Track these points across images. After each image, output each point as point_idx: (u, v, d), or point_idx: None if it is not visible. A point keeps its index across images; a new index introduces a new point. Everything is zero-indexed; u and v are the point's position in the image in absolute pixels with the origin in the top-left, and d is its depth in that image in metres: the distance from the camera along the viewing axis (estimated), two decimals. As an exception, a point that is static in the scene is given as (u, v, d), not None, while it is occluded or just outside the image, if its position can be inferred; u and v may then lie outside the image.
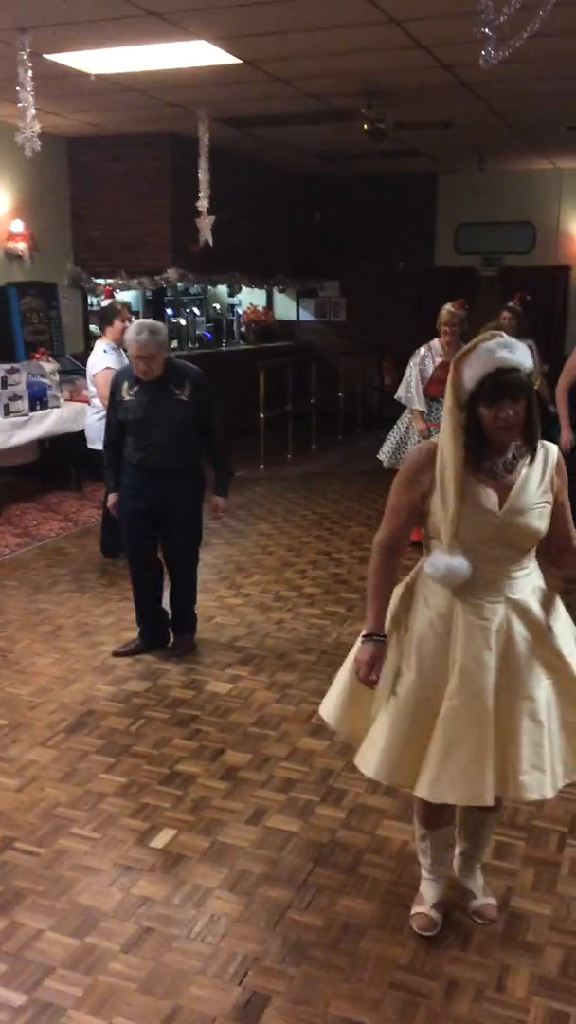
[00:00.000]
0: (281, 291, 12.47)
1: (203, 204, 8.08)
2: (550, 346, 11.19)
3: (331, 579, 6.00)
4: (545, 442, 2.48)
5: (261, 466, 9.42)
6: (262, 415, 9.31)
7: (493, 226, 11.40)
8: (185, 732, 3.94)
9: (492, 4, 2.79)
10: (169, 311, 10.86)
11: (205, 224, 8.17)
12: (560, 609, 2.57)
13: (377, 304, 12.02)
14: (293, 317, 12.87)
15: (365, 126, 7.29)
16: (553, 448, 2.49)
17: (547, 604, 2.53)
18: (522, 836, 3.23)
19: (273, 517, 7.64)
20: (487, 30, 2.86)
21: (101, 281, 9.81)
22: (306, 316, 12.88)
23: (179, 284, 9.68)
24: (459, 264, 11.63)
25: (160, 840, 3.17)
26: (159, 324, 4.46)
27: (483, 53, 3.04)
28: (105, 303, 6.87)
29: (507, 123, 8.21)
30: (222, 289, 11.98)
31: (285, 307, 12.84)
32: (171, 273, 9.26)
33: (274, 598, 5.64)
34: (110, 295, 7.66)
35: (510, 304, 7.09)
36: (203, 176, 8.02)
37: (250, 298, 12.47)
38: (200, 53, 5.98)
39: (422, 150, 9.44)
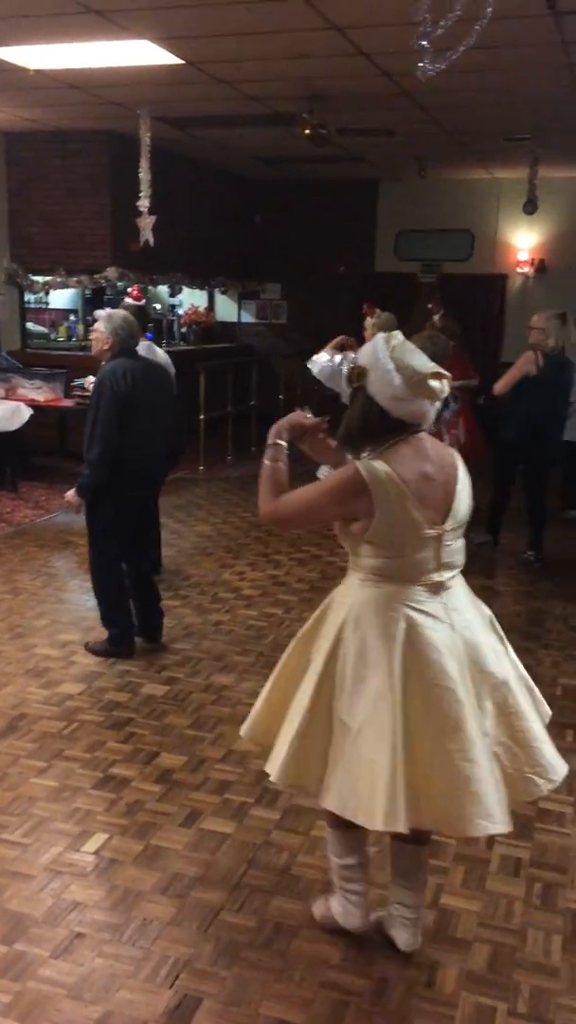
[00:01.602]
0: (223, 292, 12.47)
1: (144, 204, 8.04)
2: (487, 352, 11.43)
3: (269, 581, 6.01)
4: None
5: (201, 467, 9.40)
6: (202, 416, 9.29)
7: (433, 233, 11.56)
8: (120, 735, 3.91)
9: (430, 17, 2.84)
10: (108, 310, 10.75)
11: (146, 224, 8.13)
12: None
13: (318, 307, 12.09)
14: (234, 319, 12.87)
15: (307, 131, 7.33)
16: None
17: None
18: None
19: (212, 519, 7.62)
20: (425, 42, 2.90)
21: (38, 278, 9.68)
22: (248, 318, 12.89)
23: (119, 283, 9.61)
24: (399, 270, 11.77)
25: (92, 844, 3.14)
26: (109, 312, 4.66)
27: (420, 65, 3.09)
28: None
29: (447, 132, 8.34)
30: (163, 289, 11.92)
31: (226, 309, 12.84)
32: (111, 272, 9.19)
33: (212, 600, 5.64)
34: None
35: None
36: (144, 175, 7.98)
37: (191, 299, 12.44)
38: (142, 53, 5.95)
39: (364, 156, 9.53)
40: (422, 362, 2.37)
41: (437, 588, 2.39)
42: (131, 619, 4.78)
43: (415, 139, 8.57)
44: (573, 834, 3.31)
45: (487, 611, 2.61)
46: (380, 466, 2.32)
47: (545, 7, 4.49)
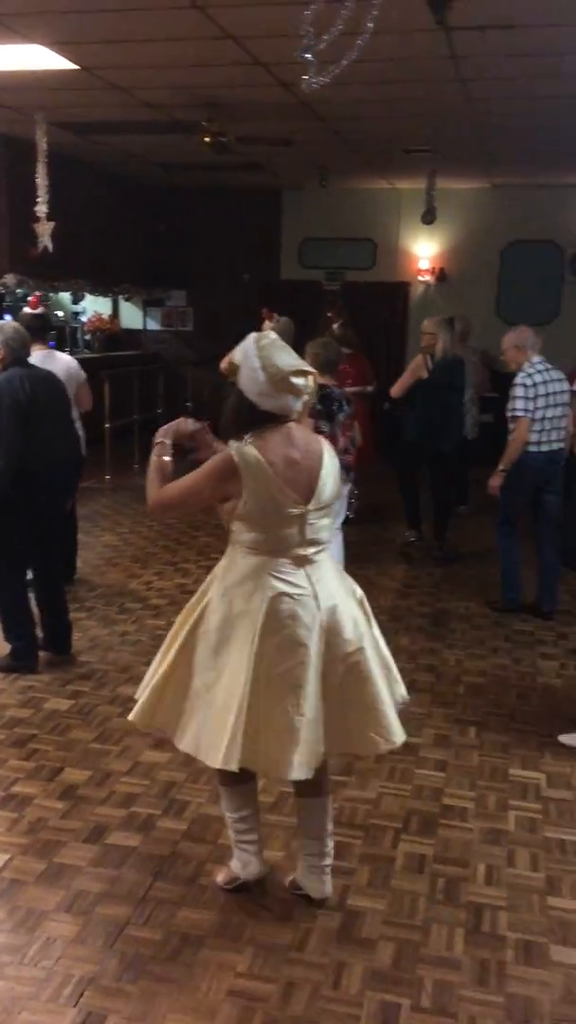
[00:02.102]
0: (127, 299, 12.34)
1: (42, 209, 7.90)
2: (391, 359, 11.63)
3: (177, 590, 5.98)
4: None
5: (107, 476, 9.28)
6: (108, 425, 9.18)
7: (336, 242, 11.71)
8: (22, 752, 3.83)
9: (313, 30, 2.89)
10: (8, 317, 10.53)
11: (44, 229, 7.99)
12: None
13: (224, 315, 12.07)
14: (140, 326, 12.76)
15: (207, 139, 7.33)
16: None
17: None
18: (359, 835, 3.32)
19: (119, 528, 7.54)
20: (309, 55, 2.95)
21: None
22: (153, 325, 12.80)
23: (18, 290, 9.41)
24: (304, 278, 11.87)
25: (-7, 865, 3.07)
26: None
27: (305, 78, 3.14)
28: None
29: (347, 143, 8.46)
30: (65, 296, 11.73)
31: (132, 316, 12.72)
32: (9, 279, 8.99)
33: (119, 610, 5.57)
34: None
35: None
36: (41, 181, 7.84)
37: (95, 306, 12.28)
38: (36, 57, 5.85)
39: (265, 165, 9.59)
40: (287, 361, 2.60)
41: (302, 561, 2.66)
42: (34, 632, 4.68)
43: (315, 149, 8.67)
44: (475, 828, 3.39)
45: (358, 590, 2.88)
46: (250, 451, 2.58)
47: (434, 22, 4.59)
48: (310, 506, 2.63)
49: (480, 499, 6.99)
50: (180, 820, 3.37)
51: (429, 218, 9.66)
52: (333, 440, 5.68)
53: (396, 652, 5.00)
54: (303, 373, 2.61)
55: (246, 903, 2.91)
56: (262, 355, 2.59)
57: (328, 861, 2.92)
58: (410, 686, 4.58)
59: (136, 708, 2.80)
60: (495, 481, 5.53)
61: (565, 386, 5.52)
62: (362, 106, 6.99)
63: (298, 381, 2.59)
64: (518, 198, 10.78)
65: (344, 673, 2.68)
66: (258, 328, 7.19)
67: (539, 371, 5.46)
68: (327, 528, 2.72)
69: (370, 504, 8.59)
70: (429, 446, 6.88)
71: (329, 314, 8.94)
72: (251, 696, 2.55)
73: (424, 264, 11.44)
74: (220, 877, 3.00)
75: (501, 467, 5.50)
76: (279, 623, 2.59)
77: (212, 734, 2.61)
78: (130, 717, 2.84)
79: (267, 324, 6.98)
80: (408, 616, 5.70)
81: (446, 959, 2.71)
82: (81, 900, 2.90)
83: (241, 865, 2.94)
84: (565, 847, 3.27)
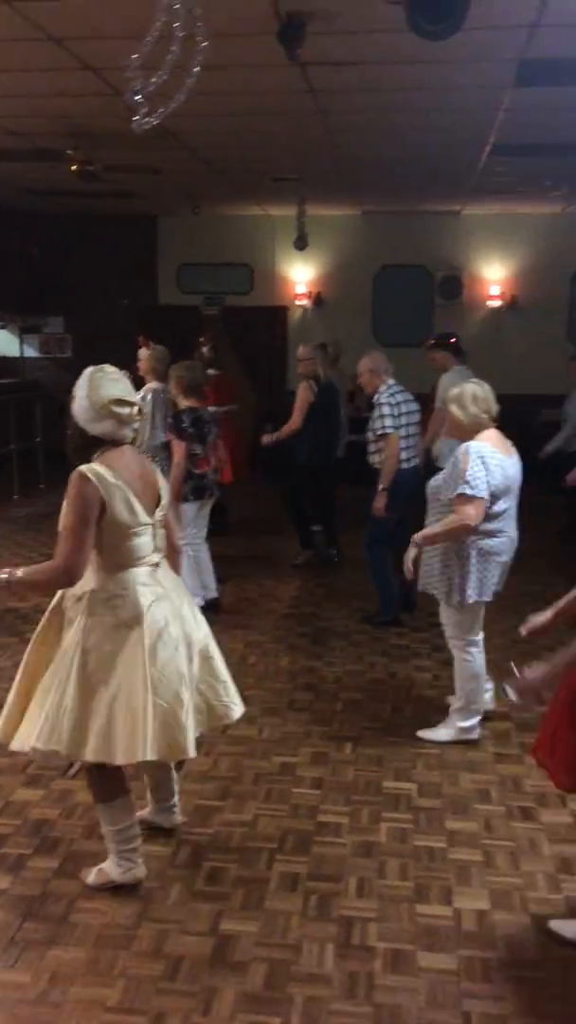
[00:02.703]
0: (2, 327, 12.12)
1: None
2: (272, 382, 11.81)
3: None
4: None
5: (-15, 508, 9.07)
6: (-16, 455, 8.98)
7: (213, 267, 11.81)
8: None
9: (143, 73, 2.95)
10: None
11: None
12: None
13: (104, 341, 11.97)
14: (16, 353, 12.54)
15: (74, 167, 7.32)
16: None
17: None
18: (234, 859, 3.34)
19: (-4, 561, 7.37)
20: (139, 97, 3.01)
21: None
22: (31, 352, 12.60)
23: None
24: (182, 303, 11.92)
25: None
26: None
27: (135, 119, 3.22)
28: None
29: (217, 172, 8.58)
30: None
31: (7, 343, 12.49)
32: None
33: (-7, 646, 5.44)
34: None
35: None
36: None
37: (-31, 334, 12.02)
38: None
39: (137, 192, 9.61)
40: (111, 391, 2.89)
41: (155, 567, 3.01)
42: None
43: (185, 177, 8.76)
44: (348, 843, 3.45)
45: (187, 591, 3.25)
46: (96, 467, 2.87)
47: (288, 58, 4.73)
48: (156, 517, 3.00)
49: (347, 515, 7.22)
50: (52, 858, 3.31)
51: (301, 244, 9.88)
52: (206, 460, 5.83)
53: (276, 673, 5.13)
54: (126, 403, 2.91)
55: (118, 936, 2.89)
56: (91, 386, 2.89)
57: (176, 800, 3.45)
58: (289, 705, 4.70)
59: (35, 735, 2.86)
60: (380, 502, 5.65)
61: (417, 406, 5.83)
62: (228, 137, 7.12)
63: (120, 410, 2.89)
64: (388, 224, 11.14)
65: (199, 658, 3.07)
66: (134, 354, 7.28)
67: (396, 392, 5.72)
68: (163, 537, 3.09)
69: (251, 519, 8.72)
70: (321, 465, 7.18)
71: (200, 339, 9.05)
72: (153, 694, 2.82)
73: (301, 289, 11.67)
74: (91, 878, 3.13)
75: (383, 486, 5.64)
76: (156, 624, 2.90)
77: (123, 736, 2.82)
78: (33, 744, 2.86)
79: (143, 352, 6.99)
80: (289, 636, 5.78)
81: (317, 975, 2.75)
82: (-54, 949, 2.82)
83: (121, 871, 3.09)
84: (433, 854, 3.36)
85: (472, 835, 3.49)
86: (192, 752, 2.92)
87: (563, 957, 2.81)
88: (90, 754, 2.86)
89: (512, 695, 2.85)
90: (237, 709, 3.16)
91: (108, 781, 3.03)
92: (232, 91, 5.83)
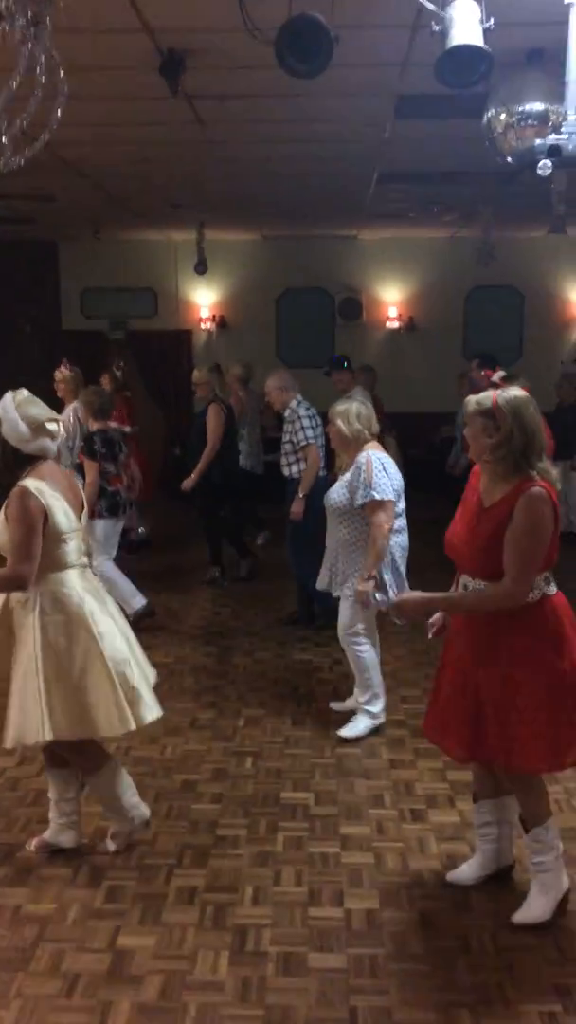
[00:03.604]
0: None
1: None
2: (180, 406, 11.87)
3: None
4: None
5: None
6: None
7: (117, 291, 11.84)
8: None
9: (5, 115, 3.04)
10: None
11: None
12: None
13: (8, 367, 11.88)
14: None
15: (-32, 195, 7.30)
16: None
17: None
18: (133, 876, 3.39)
19: None
20: (3, 139, 3.10)
21: None
22: None
23: None
24: (87, 328, 11.91)
25: None
26: None
27: (1, 161, 3.30)
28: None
29: (114, 198, 8.65)
30: None
31: None
32: None
33: None
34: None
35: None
36: None
37: None
38: None
39: (35, 218, 9.60)
40: (39, 411, 3.24)
41: (85, 568, 3.40)
42: None
43: (83, 204, 8.79)
44: (245, 854, 3.54)
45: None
46: (32, 481, 3.20)
47: (171, 92, 4.86)
48: (83, 522, 3.38)
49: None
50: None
51: (201, 269, 10.02)
52: (119, 478, 6.04)
53: (180, 692, 5.19)
54: (54, 421, 3.28)
55: (15, 958, 2.91)
56: (20, 409, 3.21)
57: (76, 816, 3.57)
58: (191, 723, 4.77)
59: (42, 729, 3.15)
60: (298, 507, 5.96)
61: (320, 421, 6.08)
62: (124, 166, 7.20)
63: (52, 427, 3.27)
64: (288, 249, 11.36)
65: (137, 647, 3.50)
66: (39, 379, 7.42)
67: (307, 406, 6.08)
68: (83, 542, 3.43)
69: (158, 538, 8.77)
70: (229, 484, 7.40)
71: (114, 364, 9.20)
72: (115, 672, 3.22)
73: (204, 312, 11.80)
74: (31, 845, 3.52)
75: (302, 494, 5.95)
76: (100, 613, 3.30)
77: (98, 712, 3.20)
78: (46, 736, 3.16)
79: (62, 372, 7.09)
80: (194, 655, 5.84)
81: (211, 982, 2.82)
82: None
83: (64, 838, 3.49)
84: (327, 859, 3.48)
85: (365, 839, 3.62)
86: (149, 719, 3.36)
87: (444, 948, 2.96)
88: (60, 734, 3.18)
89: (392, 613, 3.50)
90: (152, 677, 3.55)
91: (92, 755, 3.42)
92: (123, 122, 5.94)
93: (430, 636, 3.28)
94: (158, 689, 5.16)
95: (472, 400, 2.97)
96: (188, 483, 7.18)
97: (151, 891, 3.30)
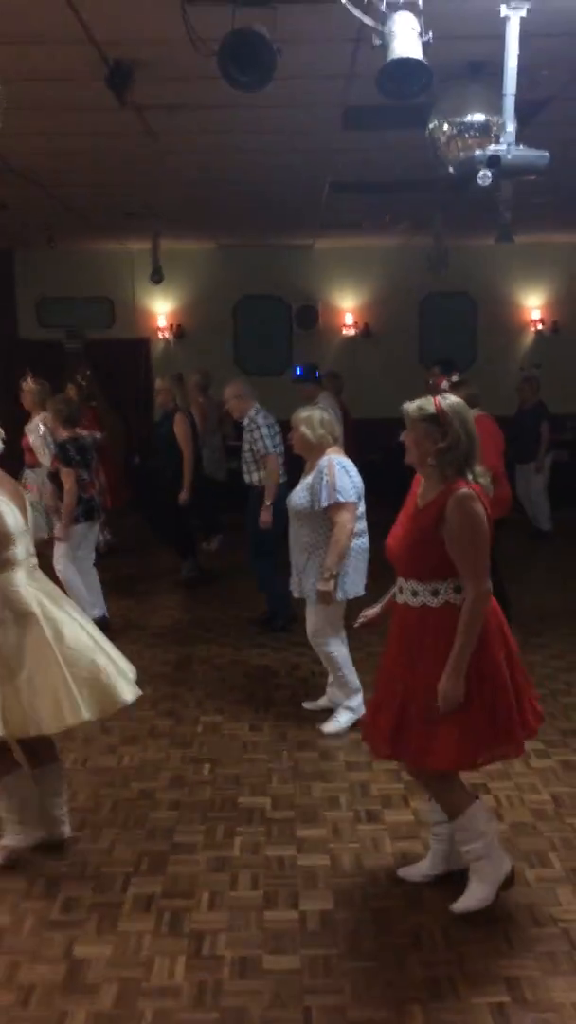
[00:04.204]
0: None
1: None
2: (139, 415, 11.86)
3: None
4: None
5: None
6: None
7: (74, 301, 11.79)
8: None
9: None
10: None
11: None
12: None
13: (-35, 377, 11.81)
14: None
15: None
16: None
17: None
18: (90, 886, 3.39)
19: None
20: None
21: None
22: None
23: None
24: (43, 337, 11.84)
25: None
26: None
27: None
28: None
29: (67, 208, 8.62)
30: None
31: None
32: None
33: None
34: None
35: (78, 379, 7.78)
36: None
37: None
38: None
39: (-12, 227, 9.55)
40: None
41: (34, 567, 3.51)
42: None
43: (36, 213, 8.75)
44: (202, 859, 3.56)
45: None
46: None
47: (118, 103, 4.88)
48: (29, 524, 3.51)
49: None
50: None
51: (157, 278, 10.01)
52: (92, 484, 6.18)
53: (139, 701, 5.13)
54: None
55: (-28, 968, 2.91)
56: None
57: (66, 809, 3.66)
58: (149, 732, 4.78)
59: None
60: (266, 516, 6.06)
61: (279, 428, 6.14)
62: (75, 174, 7.20)
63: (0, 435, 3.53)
64: (244, 257, 11.39)
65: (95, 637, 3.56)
66: (14, 391, 7.47)
67: (265, 414, 6.16)
68: (31, 542, 3.55)
69: (121, 546, 8.76)
70: (198, 488, 7.46)
71: (77, 374, 9.23)
72: (70, 667, 3.30)
73: (162, 321, 11.79)
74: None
75: (269, 502, 6.06)
76: (50, 612, 3.38)
77: (47, 708, 3.26)
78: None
79: (28, 383, 7.11)
80: (153, 664, 5.84)
81: (167, 988, 2.84)
82: None
83: (22, 838, 3.50)
84: (283, 863, 3.51)
85: (320, 841, 3.66)
86: (130, 698, 3.44)
87: (396, 945, 3.00)
88: (15, 730, 3.28)
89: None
90: (131, 673, 3.60)
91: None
92: (74, 132, 5.95)
93: (356, 625, 3.51)
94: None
95: (413, 406, 3.04)
96: (184, 496, 7.23)
97: (107, 900, 3.30)
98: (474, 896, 3.09)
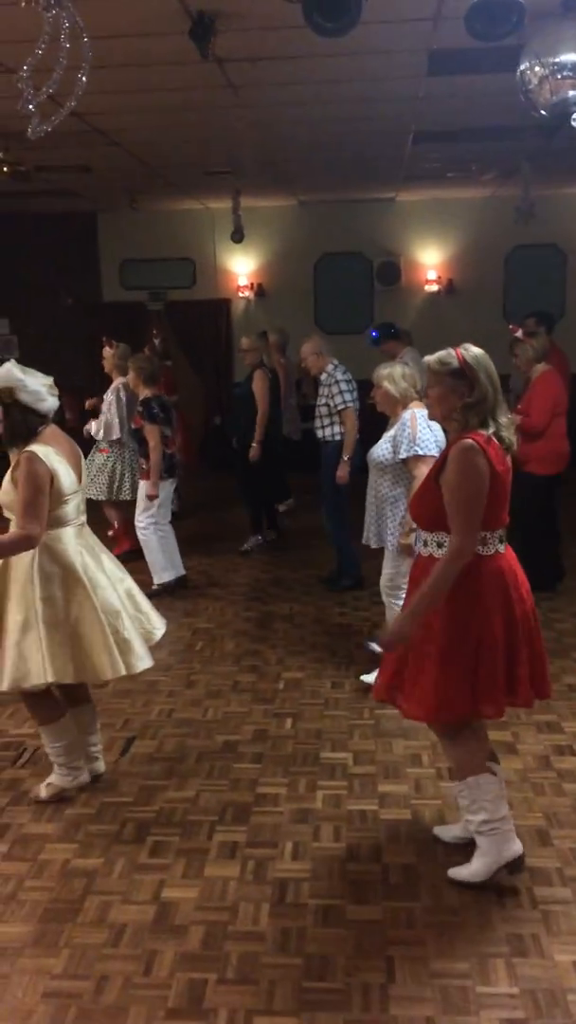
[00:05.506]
0: (-53, 331, 12.08)
1: None
2: (220, 375, 11.91)
3: None
4: None
5: None
6: None
7: (156, 262, 11.85)
8: None
9: (32, 83, 3.06)
10: None
11: None
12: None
13: (52, 341, 11.99)
14: (-37, 357, 12.49)
15: (5, 169, 7.35)
16: None
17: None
18: (177, 832, 3.49)
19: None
20: (32, 106, 3.12)
21: None
22: (-23, 355, 12.56)
23: None
24: (127, 299, 11.96)
25: None
26: None
27: (30, 128, 3.36)
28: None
29: (148, 167, 8.64)
30: None
31: (-47, 347, 12.44)
32: None
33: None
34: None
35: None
36: None
37: None
38: None
39: (73, 190, 9.64)
40: (42, 376, 3.52)
41: (83, 526, 3.62)
42: None
43: (118, 174, 8.80)
44: (285, 811, 3.61)
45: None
46: (41, 447, 3.40)
47: (200, 56, 4.83)
48: (83, 484, 3.59)
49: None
50: (1, 842, 3.43)
51: (238, 237, 9.97)
52: (173, 441, 6.33)
53: (221, 657, 5.28)
54: (53, 385, 3.56)
55: (64, 910, 3.03)
56: (26, 374, 3.46)
57: (100, 746, 3.90)
58: (233, 687, 4.85)
59: (44, 673, 3.37)
60: (343, 471, 6.09)
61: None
62: (156, 133, 7.19)
63: (55, 389, 3.54)
64: (324, 213, 11.25)
65: (124, 595, 3.66)
66: (99, 354, 7.68)
67: (343, 370, 6.16)
68: (84, 501, 3.65)
69: (198, 506, 8.86)
70: (275, 449, 7.48)
71: (154, 332, 9.31)
72: (108, 621, 3.46)
73: (243, 280, 11.76)
74: (43, 792, 3.69)
75: (347, 456, 6.07)
76: (95, 568, 3.53)
77: (91, 658, 3.43)
78: (48, 678, 3.39)
79: (107, 351, 7.27)
80: (236, 620, 5.92)
81: (251, 933, 2.91)
82: None
83: (71, 779, 3.69)
84: (366, 816, 3.54)
85: (402, 796, 3.67)
86: (148, 662, 3.60)
87: (479, 901, 3.00)
88: (57, 678, 3.41)
89: (376, 647, 3.25)
90: (159, 631, 3.79)
91: (47, 706, 3.60)
92: (154, 88, 5.92)
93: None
94: (200, 653, 5.36)
95: (434, 359, 2.97)
96: (255, 453, 7.21)
97: (194, 846, 3.39)
98: (468, 868, 3.06)
